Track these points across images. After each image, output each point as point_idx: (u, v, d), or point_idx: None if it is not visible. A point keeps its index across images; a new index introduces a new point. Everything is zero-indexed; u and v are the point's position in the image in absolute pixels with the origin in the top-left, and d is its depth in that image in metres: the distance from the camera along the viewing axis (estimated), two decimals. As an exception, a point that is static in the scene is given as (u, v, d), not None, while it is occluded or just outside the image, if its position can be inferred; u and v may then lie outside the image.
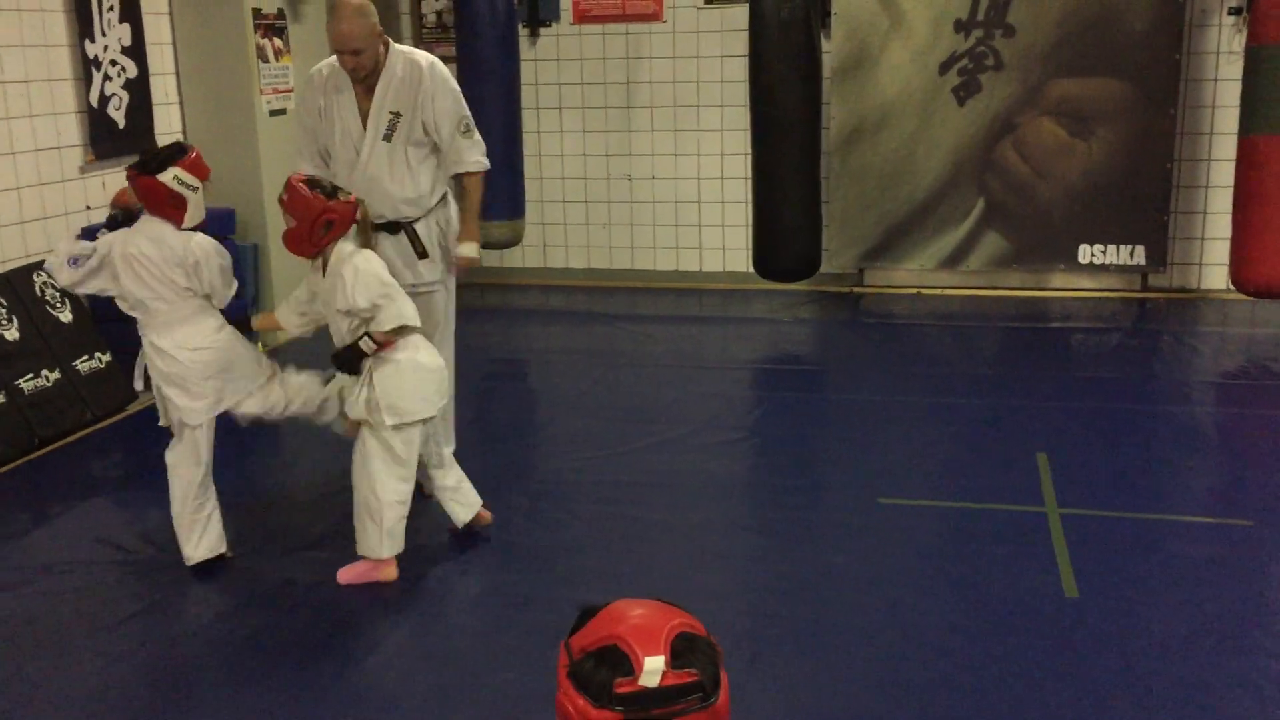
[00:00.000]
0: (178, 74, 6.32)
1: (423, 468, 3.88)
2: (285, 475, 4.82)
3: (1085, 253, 6.98)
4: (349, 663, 3.28)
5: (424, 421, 3.70)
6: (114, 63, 5.83)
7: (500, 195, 6.84)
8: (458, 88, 4.16)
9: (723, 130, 7.40)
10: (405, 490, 3.69)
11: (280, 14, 6.49)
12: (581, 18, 7.46)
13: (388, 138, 4.06)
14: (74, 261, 3.74)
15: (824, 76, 6.83)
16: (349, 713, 3.05)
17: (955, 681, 3.14)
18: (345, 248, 3.65)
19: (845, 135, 7.10)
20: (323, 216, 3.59)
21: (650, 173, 7.58)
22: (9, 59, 5.26)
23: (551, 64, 7.55)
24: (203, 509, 3.81)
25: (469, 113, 4.18)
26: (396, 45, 4.11)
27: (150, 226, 3.74)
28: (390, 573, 3.69)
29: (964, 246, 7.13)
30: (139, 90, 5.98)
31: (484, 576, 3.77)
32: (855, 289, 7.39)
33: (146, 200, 3.72)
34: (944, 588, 3.66)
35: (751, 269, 7.03)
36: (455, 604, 3.59)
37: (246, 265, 6.18)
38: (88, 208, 5.75)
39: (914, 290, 7.31)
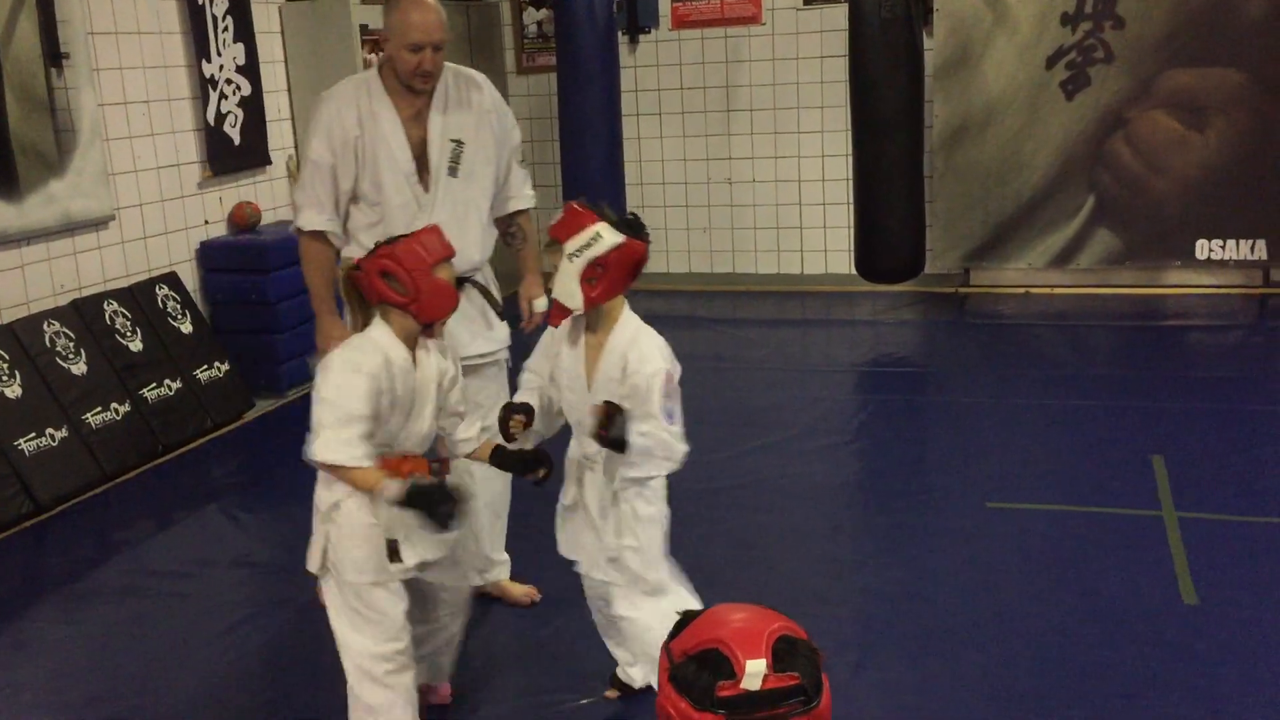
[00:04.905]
0: (289, 91, 6.51)
1: None
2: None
3: (1203, 248, 6.76)
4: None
5: None
6: (229, 81, 6.03)
7: (602, 202, 6.89)
8: None
9: (823, 131, 7.34)
10: None
11: (386, 29, 6.64)
12: (680, 23, 7.49)
13: (453, 173, 3.28)
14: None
15: (926, 74, 6.74)
16: (447, 715, 3.10)
17: (1067, 691, 3.07)
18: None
19: (949, 133, 6.99)
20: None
21: (750, 176, 7.56)
22: (131, 80, 5.49)
23: (651, 70, 7.59)
24: None
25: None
26: None
27: None
28: None
29: (1074, 244, 6.96)
30: (253, 108, 6.18)
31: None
32: (961, 289, 7.27)
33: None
34: (1055, 594, 3.57)
35: (854, 271, 6.96)
36: (555, 605, 3.63)
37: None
38: (206, 222, 5.96)
39: (1022, 290, 7.16)
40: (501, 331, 3.46)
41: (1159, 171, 6.77)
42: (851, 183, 6.88)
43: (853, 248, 6.91)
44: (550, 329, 2.85)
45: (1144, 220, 6.84)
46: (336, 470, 2.60)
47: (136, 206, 5.55)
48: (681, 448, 2.69)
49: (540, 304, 3.55)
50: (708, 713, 1.46)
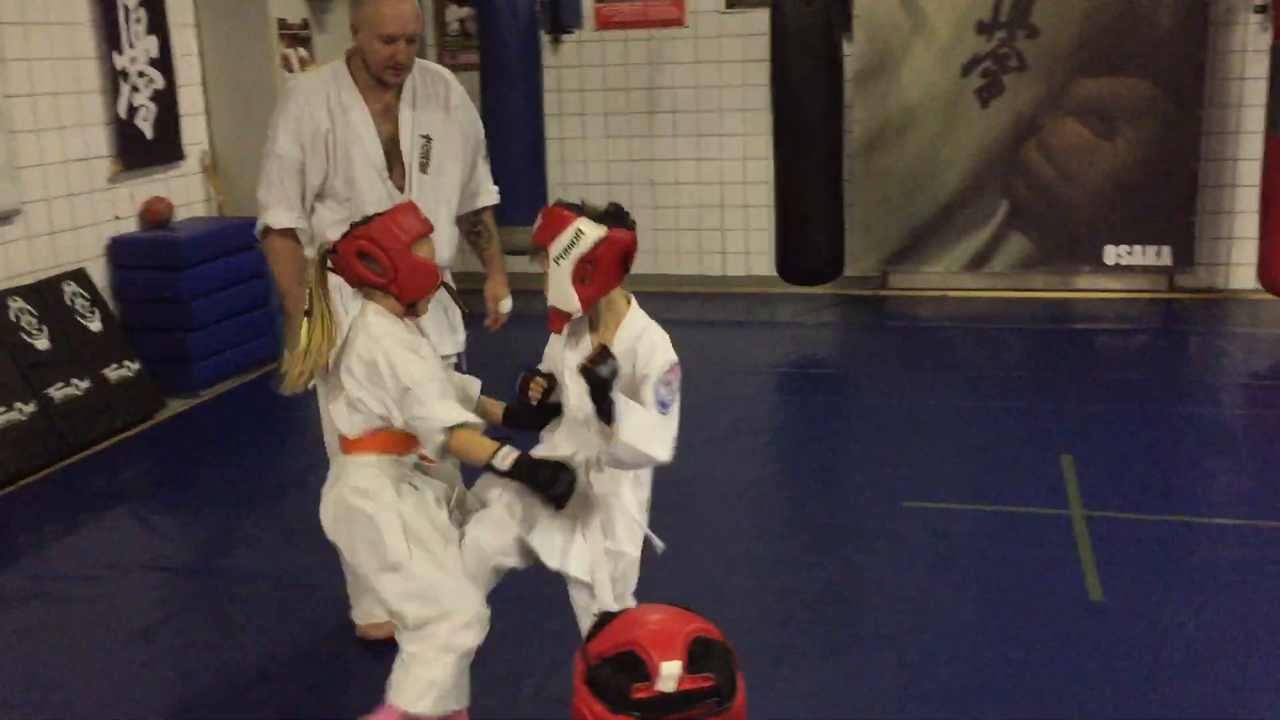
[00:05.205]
0: (204, 85, 6.38)
1: None
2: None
3: (1111, 253, 6.93)
4: (369, 672, 3.30)
5: None
6: (141, 74, 5.89)
7: (524, 201, 6.87)
8: None
9: (745, 134, 7.39)
10: None
11: (304, 24, 6.54)
12: (604, 24, 7.48)
13: (424, 169, 3.24)
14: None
15: (846, 79, 6.82)
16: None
17: (979, 686, 3.13)
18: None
19: (868, 138, 7.08)
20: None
21: (673, 178, 7.58)
22: (39, 71, 5.34)
23: (574, 70, 7.58)
24: None
25: None
26: None
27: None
28: None
29: (989, 248, 7.09)
30: (166, 101, 6.05)
31: (508, 582, 3.78)
32: (879, 292, 7.37)
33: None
34: (968, 591, 3.64)
35: (775, 272, 7.03)
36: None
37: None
38: (116, 218, 5.82)
39: (938, 293, 7.28)
40: (461, 334, 3.42)
41: (1070, 178, 6.93)
42: (773, 185, 6.94)
43: (773, 250, 6.97)
44: (554, 336, 2.77)
45: (1055, 226, 6.99)
46: (461, 433, 2.51)
47: (43, 201, 5.40)
48: (669, 436, 2.56)
49: (505, 304, 3.54)
50: (622, 715, 1.46)
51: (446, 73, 3.38)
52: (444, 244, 3.25)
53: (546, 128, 7.02)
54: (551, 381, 2.69)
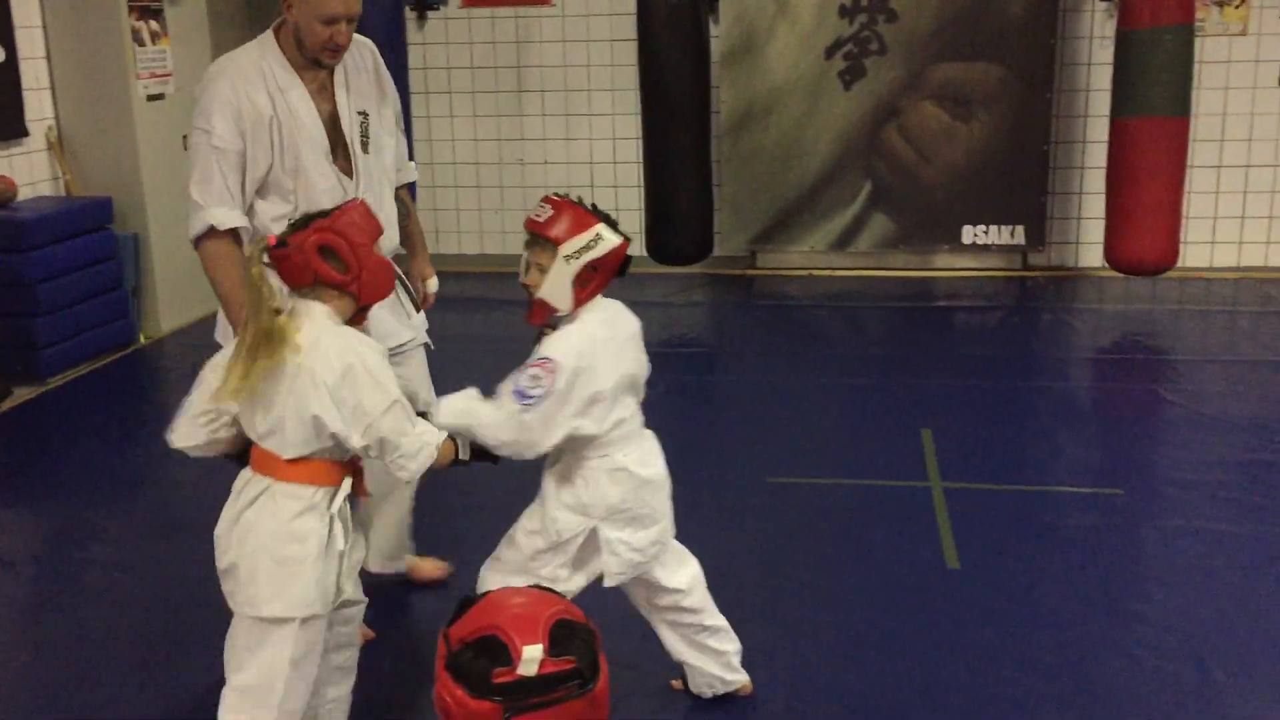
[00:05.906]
0: (49, 58, 6.09)
1: None
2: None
3: (968, 233, 7.15)
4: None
5: None
6: (-21, 46, 5.61)
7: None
8: None
9: (614, 114, 7.40)
10: None
11: (156, -4, 6.29)
12: (470, 1, 7.39)
13: (365, 148, 3.04)
14: None
15: (713, 60, 6.87)
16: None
17: (843, 655, 3.22)
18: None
19: (735, 119, 7.15)
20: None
21: (542, 157, 7.55)
22: None
23: (440, 48, 7.47)
24: None
25: None
26: None
27: None
28: None
29: (853, 228, 7.25)
30: (8, 75, 5.76)
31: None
32: (748, 271, 7.47)
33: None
34: (831, 563, 3.74)
35: (645, 252, 7.06)
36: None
37: (127, 256, 6.01)
38: (-46, 198, 5.53)
39: (805, 272, 7.41)
40: (419, 318, 3.33)
41: (929, 160, 7.11)
42: (642, 166, 6.96)
43: (643, 230, 7.00)
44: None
45: (915, 206, 7.18)
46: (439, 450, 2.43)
47: (-128, 179, 5.10)
48: (500, 429, 2.60)
49: (433, 283, 3.46)
50: (484, 700, 1.46)
51: (369, 42, 3.18)
52: (392, 225, 3.13)
53: (413, 106, 6.91)
54: None
